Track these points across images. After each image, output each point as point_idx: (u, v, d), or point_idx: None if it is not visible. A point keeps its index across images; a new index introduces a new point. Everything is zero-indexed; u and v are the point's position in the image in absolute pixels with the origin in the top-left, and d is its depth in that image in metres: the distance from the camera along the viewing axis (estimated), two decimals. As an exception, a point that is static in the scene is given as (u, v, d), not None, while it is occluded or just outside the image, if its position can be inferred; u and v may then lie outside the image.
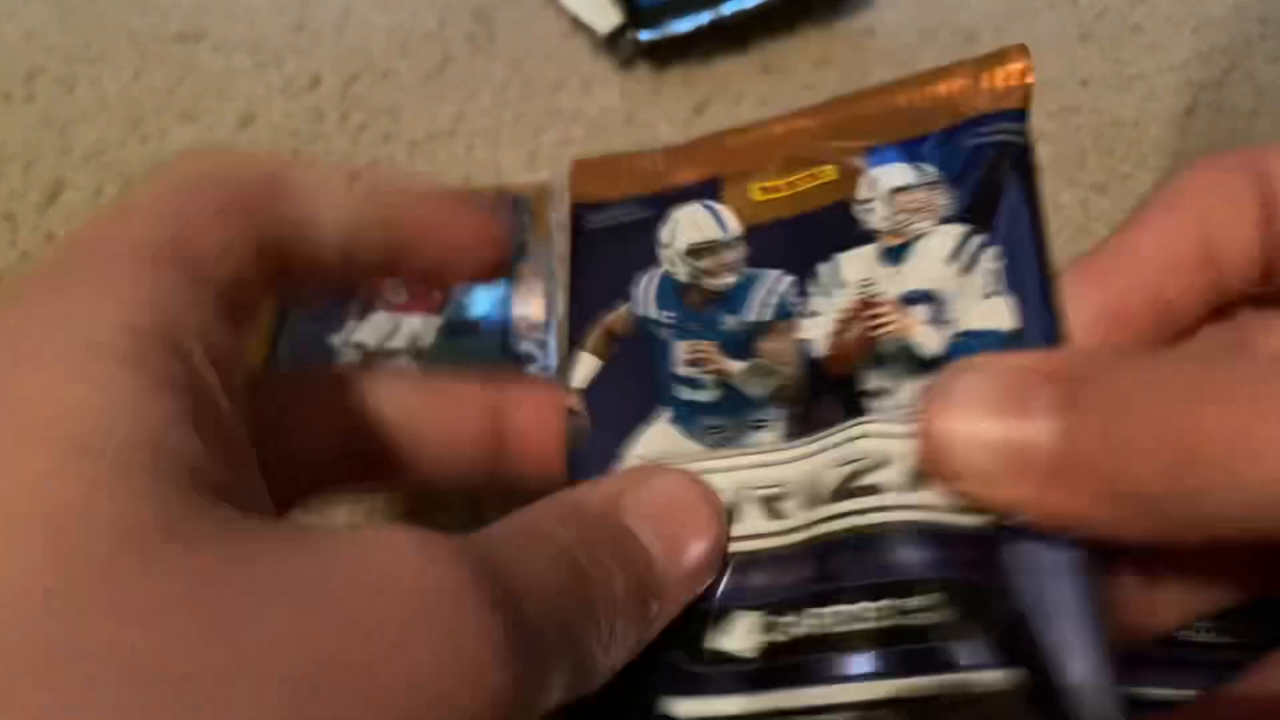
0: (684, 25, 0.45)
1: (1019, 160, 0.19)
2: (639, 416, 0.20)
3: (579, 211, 0.23)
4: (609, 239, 0.22)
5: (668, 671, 0.17)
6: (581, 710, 0.16)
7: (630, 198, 0.23)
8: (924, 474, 0.17)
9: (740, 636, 0.17)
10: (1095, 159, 0.41)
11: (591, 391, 0.20)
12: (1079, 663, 0.16)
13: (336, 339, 0.36)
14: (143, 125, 0.46)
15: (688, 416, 0.20)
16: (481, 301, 0.37)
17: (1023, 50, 0.20)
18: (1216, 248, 0.18)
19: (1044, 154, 0.42)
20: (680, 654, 0.17)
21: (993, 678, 0.16)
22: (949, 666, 0.16)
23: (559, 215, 0.41)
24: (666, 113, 0.44)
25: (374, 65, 0.48)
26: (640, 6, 0.46)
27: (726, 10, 0.45)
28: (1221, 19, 0.48)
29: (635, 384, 0.20)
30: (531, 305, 0.37)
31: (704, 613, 0.18)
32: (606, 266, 0.22)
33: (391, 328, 0.36)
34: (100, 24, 0.52)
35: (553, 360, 0.35)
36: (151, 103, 0.47)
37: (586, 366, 0.21)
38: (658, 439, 0.20)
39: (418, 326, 0.36)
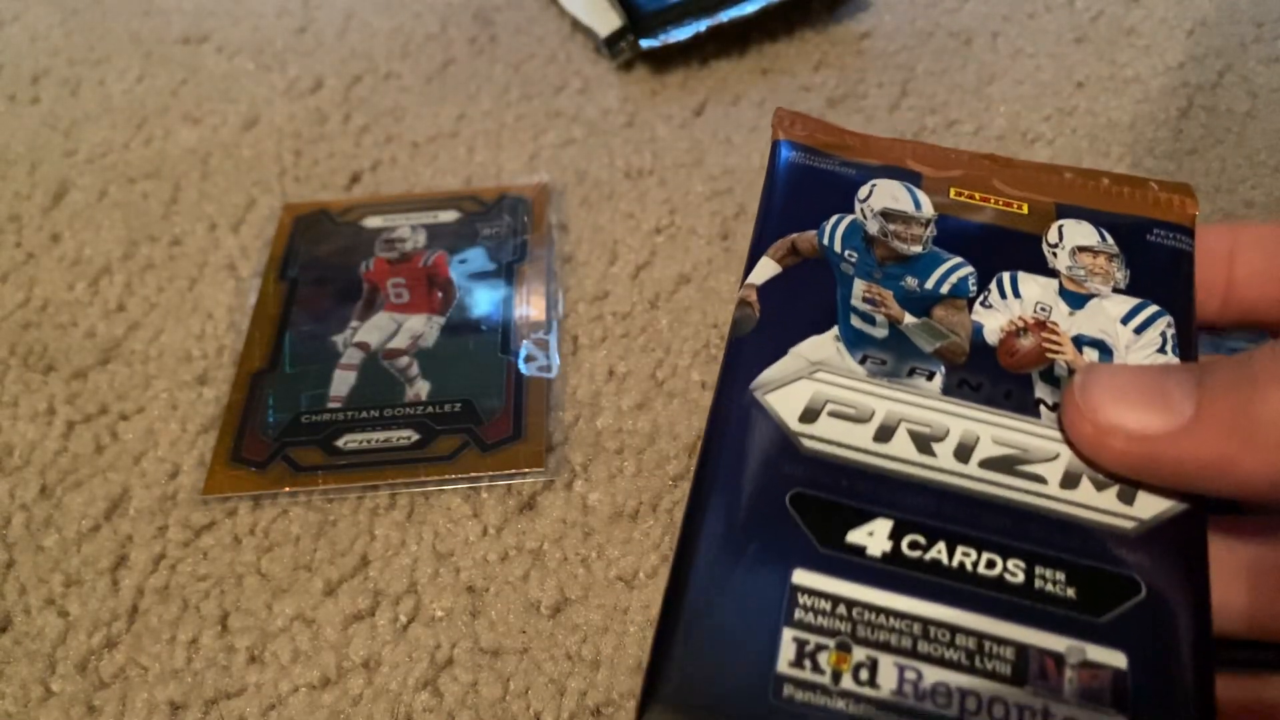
0: (683, 33, 0.46)
1: (1188, 264, 0.24)
2: (811, 326, 0.23)
3: (783, 144, 0.26)
4: (811, 175, 0.26)
5: (802, 548, 0.19)
6: (714, 565, 0.19)
7: (834, 154, 0.26)
8: (1078, 458, 0.21)
9: (874, 537, 0.20)
10: (1091, 160, 0.42)
11: (764, 290, 0.23)
12: (1185, 669, 0.18)
13: (339, 338, 0.36)
14: (147, 127, 0.46)
15: (854, 341, 0.23)
16: (482, 301, 0.37)
17: (1191, 190, 0.25)
18: None
19: (1040, 155, 0.43)
20: (816, 536, 0.20)
21: (1100, 653, 0.18)
22: (1061, 629, 0.19)
23: (559, 216, 0.41)
24: (665, 114, 0.45)
25: (376, 67, 0.49)
26: (639, 13, 0.47)
27: (724, 17, 0.46)
28: (1216, 22, 0.48)
29: (812, 298, 0.23)
30: (532, 305, 0.37)
31: (848, 507, 0.20)
32: (803, 196, 0.25)
33: (394, 327, 0.36)
34: (105, 27, 0.52)
35: (554, 360, 0.35)
36: (155, 104, 0.47)
37: (765, 270, 0.24)
38: (824, 348, 0.22)
39: (419, 326, 0.37)
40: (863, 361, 0.22)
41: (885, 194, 0.25)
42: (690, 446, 0.33)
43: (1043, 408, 0.22)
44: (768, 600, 0.19)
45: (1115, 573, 0.19)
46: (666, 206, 0.41)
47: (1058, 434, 0.21)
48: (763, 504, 0.20)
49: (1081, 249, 0.24)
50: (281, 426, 0.33)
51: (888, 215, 0.25)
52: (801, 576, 0.19)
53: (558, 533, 0.31)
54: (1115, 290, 0.23)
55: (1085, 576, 0.19)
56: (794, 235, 0.24)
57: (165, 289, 0.39)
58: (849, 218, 0.25)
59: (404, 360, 0.35)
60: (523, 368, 0.35)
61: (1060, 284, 0.24)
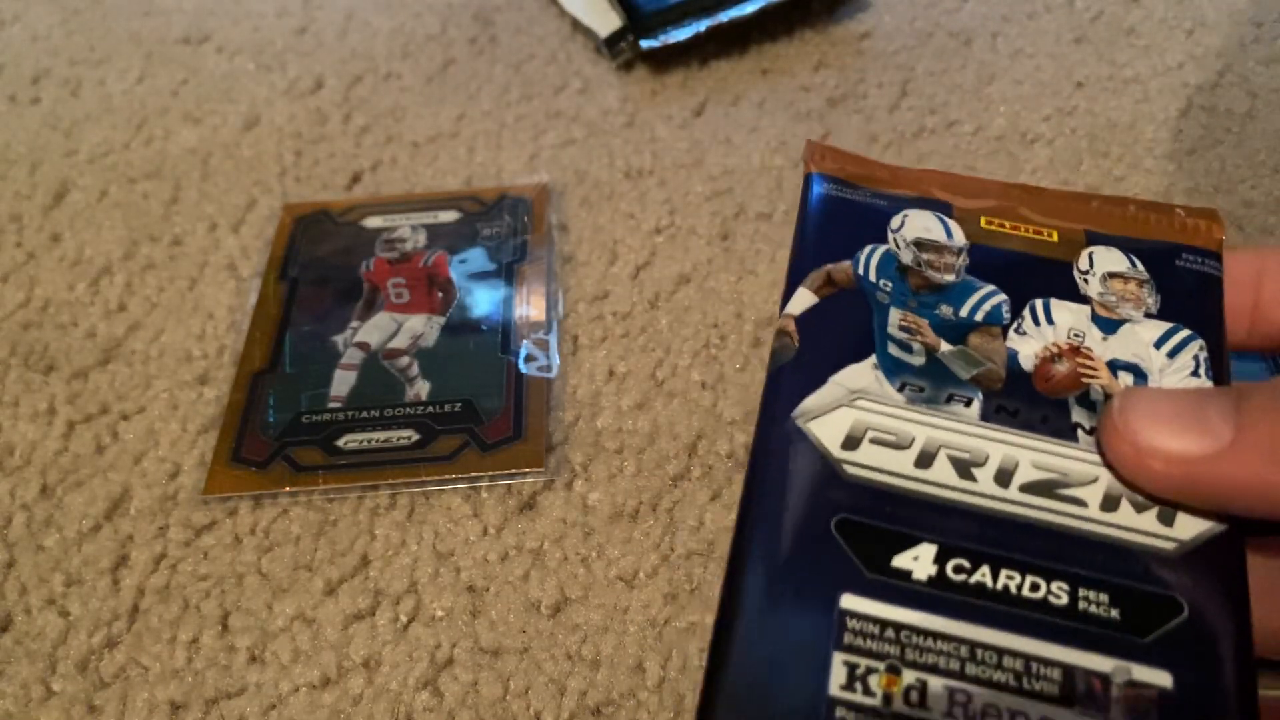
0: (682, 33, 0.46)
1: (1217, 287, 0.24)
2: (850, 354, 0.23)
3: (815, 177, 0.27)
4: (843, 207, 0.26)
5: (849, 573, 0.20)
6: (764, 590, 0.19)
7: (864, 185, 0.27)
8: (1117, 480, 0.21)
9: (919, 562, 0.20)
10: (1090, 161, 0.42)
11: (802, 321, 0.24)
12: (1229, 688, 0.19)
13: (339, 338, 0.36)
14: (147, 127, 0.46)
15: (892, 369, 0.23)
16: (483, 301, 0.37)
17: (1217, 214, 0.26)
18: None
19: (1039, 155, 0.43)
20: (862, 561, 0.20)
21: (1145, 672, 0.19)
22: (1106, 650, 0.19)
23: (559, 216, 0.41)
24: (665, 115, 0.45)
25: (376, 67, 0.49)
26: (639, 13, 0.47)
27: (724, 17, 0.46)
28: (1215, 22, 0.48)
29: (849, 327, 0.24)
30: (532, 305, 0.37)
31: (892, 532, 0.20)
32: (837, 228, 0.26)
33: (394, 327, 0.37)
34: (105, 27, 0.52)
35: (554, 360, 0.35)
36: (156, 105, 0.47)
37: (803, 300, 0.24)
38: (864, 376, 0.23)
39: (420, 326, 0.37)
40: (901, 389, 0.23)
41: (918, 224, 0.26)
42: (690, 446, 0.33)
43: (1080, 432, 0.22)
44: (818, 625, 0.19)
45: (1157, 593, 0.20)
46: (666, 206, 0.41)
47: (1096, 457, 0.21)
48: (809, 531, 0.20)
49: (1112, 275, 0.24)
50: (282, 426, 0.33)
51: (921, 245, 0.25)
52: (850, 601, 0.19)
53: (558, 533, 0.31)
54: (1147, 315, 0.24)
55: (1128, 598, 0.20)
56: (829, 266, 0.25)
57: (166, 289, 0.39)
58: (883, 248, 0.25)
59: (404, 360, 0.35)
60: (523, 368, 0.35)
61: (1092, 310, 0.24)
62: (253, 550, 0.31)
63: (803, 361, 0.23)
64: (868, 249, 0.25)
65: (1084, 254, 0.25)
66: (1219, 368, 0.23)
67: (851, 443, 0.22)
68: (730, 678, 0.19)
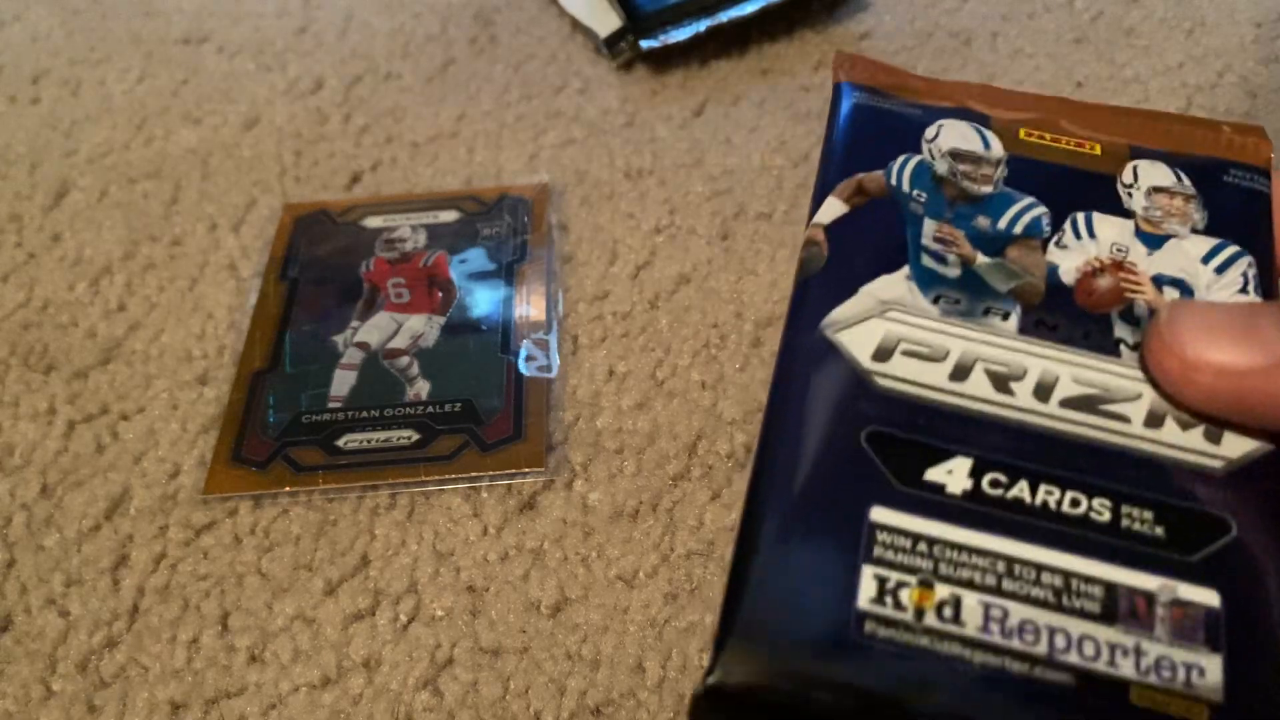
0: (682, 33, 0.46)
1: (1266, 204, 0.24)
2: (883, 264, 0.22)
3: (845, 86, 0.26)
4: (875, 116, 0.25)
5: (880, 486, 0.19)
6: (789, 501, 0.19)
7: (897, 95, 0.26)
8: (1161, 397, 0.20)
9: (953, 475, 0.19)
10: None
11: (832, 230, 0.23)
12: (1277, 608, 0.18)
13: (339, 338, 0.36)
14: (147, 127, 0.46)
15: (926, 281, 0.22)
16: (483, 301, 0.37)
17: (1264, 132, 0.25)
18: None
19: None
20: (893, 474, 0.19)
21: (1192, 591, 0.18)
22: (1151, 567, 0.18)
23: (559, 216, 0.41)
24: (665, 114, 0.45)
25: (376, 67, 0.49)
26: (639, 13, 0.47)
27: (724, 17, 0.46)
28: (1215, 22, 0.48)
29: (881, 238, 0.23)
30: (532, 305, 0.37)
31: (926, 445, 0.20)
32: (868, 137, 0.25)
33: (394, 327, 0.37)
34: (105, 27, 0.52)
35: (554, 360, 0.35)
36: (156, 105, 0.47)
37: (832, 209, 0.23)
38: (896, 287, 0.22)
39: (420, 326, 0.37)
40: (935, 301, 0.22)
41: (954, 134, 0.25)
42: (690, 446, 0.33)
43: (1123, 347, 0.21)
44: (846, 537, 0.18)
45: (1204, 511, 0.19)
46: (666, 206, 0.41)
47: (1139, 373, 0.21)
48: (838, 442, 0.20)
49: (1158, 189, 0.24)
50: (282, 426, 0.33)
51: (956, 155, 0.24)
52: (880, 514, 0.19)
53: (558, 532, 0.31)
54: (1193, 231, 0.23)
55: (1173, 515, 0.19)
56: (861, 175, 0.24)
57: (166, 289, 0.39)
58: (916, 158, 0.24)
59: (404, 360, 0.35)
60: (523, 368, 0.35)
61: (1136, 225, 0.23)
62: (253, 550, 0.31)
63: (832, 271, 0.22)
64: (901, 159, 0.24)
65: (1128, 167, 0.24)
66: (1269, 284, 0.22)
67: (883, 354, 0.21)
68: (754, 590, 0.18)
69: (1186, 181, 0.24)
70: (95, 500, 0.33)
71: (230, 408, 0.34)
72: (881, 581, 0.18)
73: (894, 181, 0.24)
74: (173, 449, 0.34)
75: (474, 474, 0.32)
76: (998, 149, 0.25)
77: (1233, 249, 0.23)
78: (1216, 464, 0.20)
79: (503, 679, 0.28)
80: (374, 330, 0.36)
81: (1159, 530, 0.19)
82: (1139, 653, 0.17)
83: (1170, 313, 0.20)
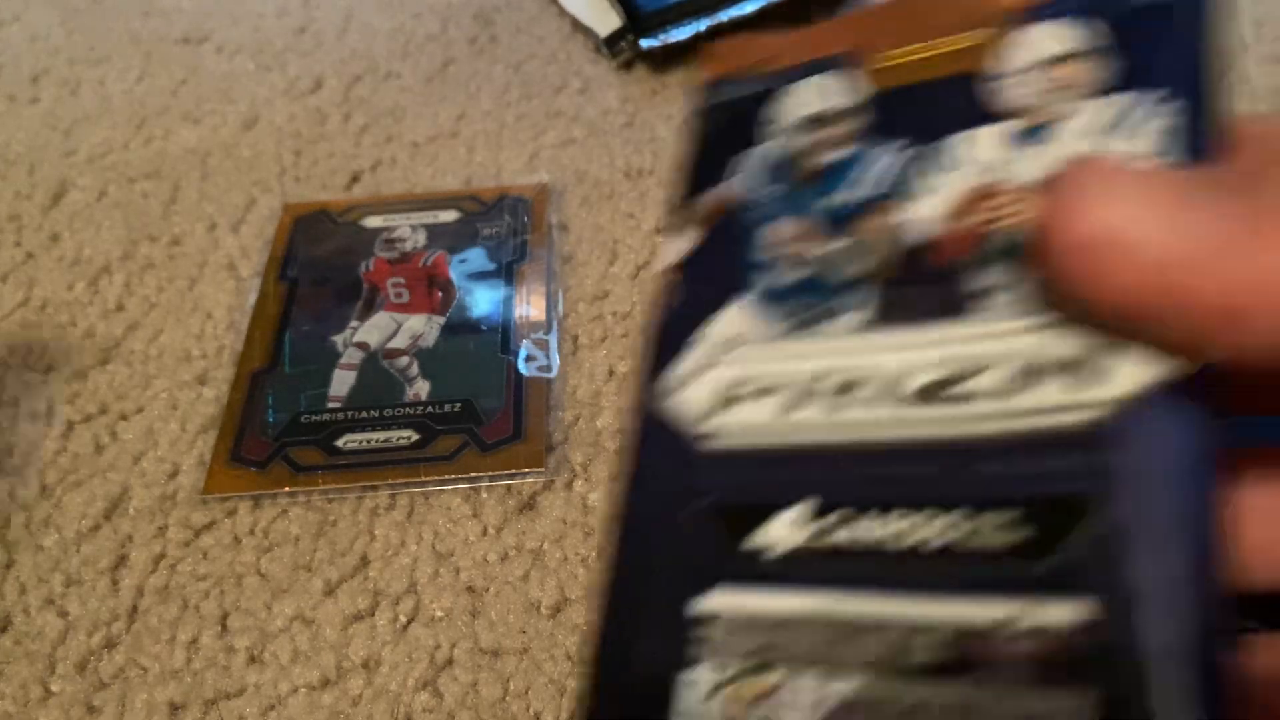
0: (682, 33, 0.46)
1: (1198, 20, 0.17)
2: (726, 295, 0.19)
3: (707, 89, 0.22)
4: (720, 113, 0.21)
5: (712, 568, 0.16)
6: (637, 606, 0.16)
7: (759, 74, 0.21)
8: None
9: (782, 532, 0.16)
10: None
11: (685, 268, 0.20)
12: (1165, 605, 0.13)
13: (338, 338, 0.36)
14: (147, 127, 0.46)
15: (773, 297, 0.19)
16: (482, 301, 0.37)
17: None
18: None
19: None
20: (725, 549, 0.16)
21: (1058, 611, 0.14)
22: (1015, 591, 0.14)
23: (559, 216, 0.41)
24: (665, 114, 0.45)
25: (376, 67, 0.49)
26: (639, 13, 0.47)
27: (724, 17, 0.46)
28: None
29: (726, 263, 0.19)
30: (532, 305, 0.37)
31: (757, 505, 0.17)
32: (713, 144, 0.21)
33: (394, 327, 0.36)
34: (105, 27, 0.52)
35: (554, 360, 0.35)
36: (155, 104, 0.47)
37: (680, 244, 0.20)
38: (735, 322, 0.19)
39: (419, 326, 0.37)
40: (781, 319, 0.18)
41: (802, 98, 0.20)
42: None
43: (990, 299, 0.16)
44: (673, 642, 0.16)
45: (1068, 492, 0.14)
46: (666, 206, 0.41)
47: (1009, 324, 0.16)
48: (668, 534, 0.17)
49: (1047, 62, 0.18)
50: (281, 426, 0.33)
51: (807, 125, 0.20)
52: (708, 602, 0.16)
53: (558, 533, 0.31)
54: (1101, 93, 0.17)
55: (1035, 507, 0.15)
56: (706, 196, 0.20)
57: (165, 289, 0.39)
58: (761, 149, 0.20)
59: (404, 360, 0.35)
60: (523, 368, 0.35)
61: (1017, 125, 0.18)
62: (252, 550, 0.31)
63: (673, 323, 0.19)
64: (741, 157, 0.20)
65: (1002, 51, 0.19)
66: (1199, 138, 0.16)
67: (715, 409, 0.18)
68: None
69: (1085, 32, 0.18)
70: (94, 500, 0.33)
71: (229, 408, 0.34)
72: (716, 683, 0.16)
73: (739, 190, 0.20)
74: (172, 449, 0.34)
75: (474, 474, 0.32)
76: (861, 91, 0.20)
77: (1141, 100, 0.17)
78: (1088, 415, 0.15)
79: (502, 680, 0.28)
80: (374, 330, 0.36)
81: (1017, 535, 0.14)
82: (996, 715, 0.14)
83: (1073, 172, 0.14)
